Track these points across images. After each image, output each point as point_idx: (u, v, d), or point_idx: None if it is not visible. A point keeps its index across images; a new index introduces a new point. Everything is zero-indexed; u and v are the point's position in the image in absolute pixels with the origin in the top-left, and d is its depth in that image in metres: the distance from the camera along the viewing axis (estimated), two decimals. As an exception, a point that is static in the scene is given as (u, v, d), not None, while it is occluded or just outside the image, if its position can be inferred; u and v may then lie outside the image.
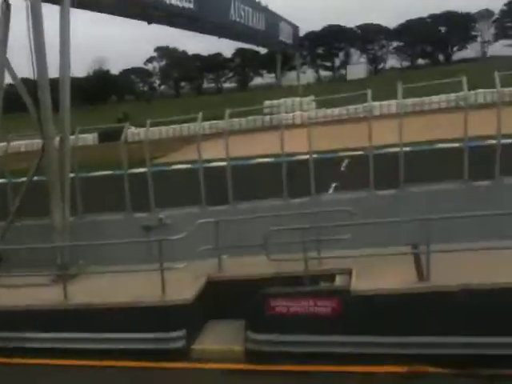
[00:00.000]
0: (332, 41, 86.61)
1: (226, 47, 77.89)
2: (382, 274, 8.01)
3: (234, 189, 11.40)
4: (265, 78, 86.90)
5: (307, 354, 7.75)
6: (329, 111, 30.19)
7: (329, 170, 18.50)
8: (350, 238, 8.26)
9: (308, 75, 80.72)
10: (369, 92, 11.00)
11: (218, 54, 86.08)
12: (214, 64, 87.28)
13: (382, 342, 7.55)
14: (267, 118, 36.50)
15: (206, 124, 37.76)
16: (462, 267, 7.68)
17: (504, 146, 10.40)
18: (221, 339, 8.50)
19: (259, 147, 23.94)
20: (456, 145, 11.39)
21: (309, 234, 8.56)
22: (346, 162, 21.95)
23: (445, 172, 11.37)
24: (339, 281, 8.49)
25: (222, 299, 8.79)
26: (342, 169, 21.21)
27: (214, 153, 12.89)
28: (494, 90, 10.41)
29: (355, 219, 8.52)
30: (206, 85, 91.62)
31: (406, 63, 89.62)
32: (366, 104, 11.18)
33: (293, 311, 7.94)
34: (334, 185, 16.94)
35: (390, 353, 7.43)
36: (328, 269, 8.72)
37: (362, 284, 7.92)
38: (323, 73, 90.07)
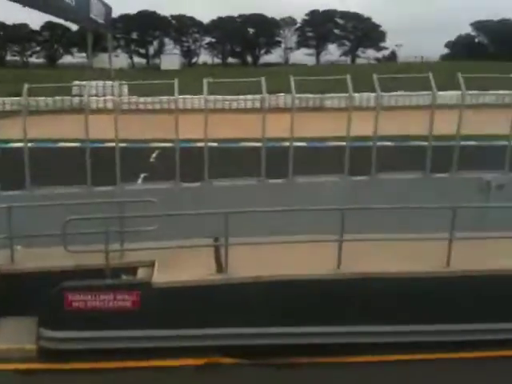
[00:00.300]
0: (146, 27, 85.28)
1: (36, 19, 70.85)
2: (185, 266, 8.20)
3: (34, 173, 10.51)
4: (75, 57, 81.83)
5: (105, 350, 7.58)
6: (141, 99, 29.71)
7: (139, 160, 18.24)
8: (155, 230, 8.25)
9: (121, 59, 78.23)
10: (176, 83, 10.95)
11: (24, 25, 78.31)
12: (18, 35, 79.18)
13: (178, 335, 7.71)
14: (76, 99, 34.35)
15: (7, 100, 34.52)
16: (262, 260, 8.20)
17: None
18: (13, 338, 7.90)
19: (66, 130, 22.49)
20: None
21: (112, 225, 8.32)
22: (156, 152, 21.93)
23: (245, 169, 11.96)
24: (141, 273, 8.43)
25: (15, 294, 8.11)
26: (152, 160, 21.16)
27: (13, 132, 11.78)
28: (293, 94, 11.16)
29: (161, 211, 8.52)
30: (9, 57, 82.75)
31: (217, 60, 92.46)
32: (174, 96, 11.13)
33: (92, 306, 7.69)
34: (142, 175, 16.77)
35: (186, 346, 7.63)
36: (130, 261, 8.61)
37: (163, 276, 7.99)
38: (137, 59, 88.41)
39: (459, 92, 11.33)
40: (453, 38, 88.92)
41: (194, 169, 10.93)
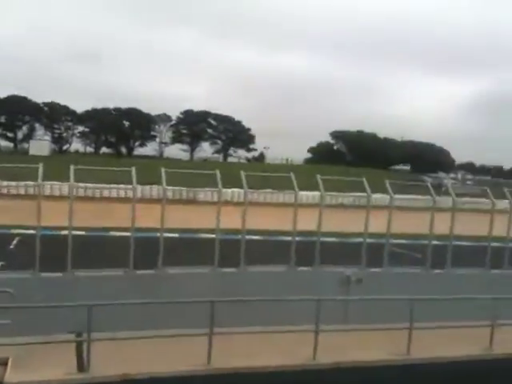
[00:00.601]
0: (16, 111, 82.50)
1: None
2: (43, 364, 7.53)
3: None
4: None
5: None
6: (5, 183, 27.93)
7: (-1, 248, 16.87)
8: (10, 324, 7.55)
9: (-14, 143, 73.88)
10: (40, 169, 10.58)
11: None
12: None
13: None
14: None
15: None
16: (129, 356, 7.81)
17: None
18: None
19: None
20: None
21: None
22: (16, 239, 20.42)
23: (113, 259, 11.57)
24: (-9, 373, 7.57)
25: None
26: (12, 247, 19.63)
27: None
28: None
29: (17, 302, 7.87)
30: None
31: (90, 149, 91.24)
32: (45, 182, 10.70)
33: None
34: (0, 263, 15.37)
35: None
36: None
37: (17, 376, 7.27)
38: (4, 143, 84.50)
39: (319, 192, 12.36)
40: (315, 143, 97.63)
41: (56, 257, 10.38)
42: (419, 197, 16.79)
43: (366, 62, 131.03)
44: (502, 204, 13.92)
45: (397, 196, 13.29)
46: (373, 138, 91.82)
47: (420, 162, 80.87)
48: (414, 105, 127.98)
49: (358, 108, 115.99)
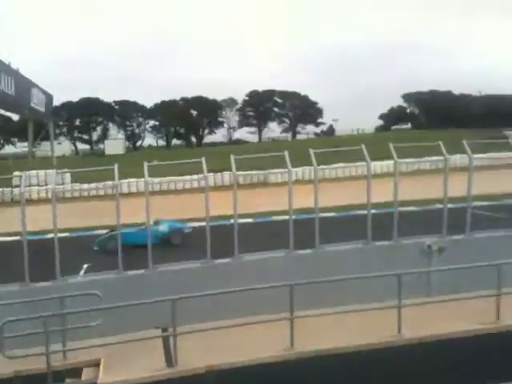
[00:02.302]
0: (89, 113, 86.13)
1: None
2: (133, 362, 7.81)
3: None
4: (18, 147, 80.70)
5: None
6: (85, 185, 29.37)
7: (82, 250, 17.62)
8: (100, 325, 7.88)
9: (64, 147, 78.03)
10: (116, 169, 10.80)
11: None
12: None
13: None
14: (17, 190, 33.51)
15: None
16: (213, 347, 7.98)
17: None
18: None
19: (4, 223, 21.74)
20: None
21: (52, 324, 7.87)
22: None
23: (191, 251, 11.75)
24: (86, 375, 7.95)
25: None
26: (96, 248, 20.52)
27: None
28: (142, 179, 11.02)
29: (105, 303, 8.17)
30: None
31: (162, 142, 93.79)
32: (122, 181, 11.00)
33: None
34: (86, 266, 16.15)
35: None
36: (74, 362, 8.13)
37: (110, 376, 7.55)
38: (81, 146, 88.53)
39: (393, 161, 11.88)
40: (386, 110, 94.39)
41: (139, 255, 10.73)
42: (500, 154, 15.75)
43: (432, 15, 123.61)
44: None
45: (477, 156, 12.53)
46: (447, 95, 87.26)
47: (502, 116, 75.98)
48: (494, 54, 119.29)
49: (430, 67, 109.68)
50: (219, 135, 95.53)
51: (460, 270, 9.26)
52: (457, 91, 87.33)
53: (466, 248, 11.04)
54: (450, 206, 11.90)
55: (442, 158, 12.05)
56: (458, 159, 13.71)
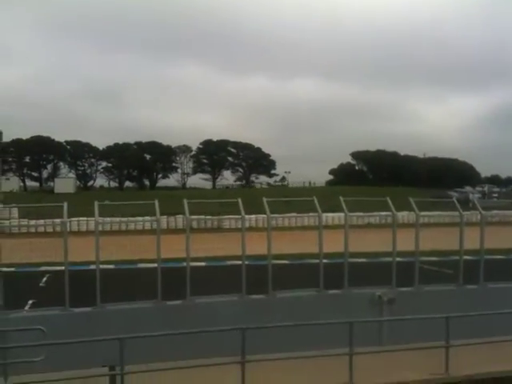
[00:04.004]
0: (40, 151, 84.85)
1: None
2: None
3: None
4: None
5: None
6: (32, 222, 28.48)
7: (28, 285, 17.01)
8: (44, 361, 7.58)
9: (12, 183, 75.50)
10: (65, 206, 10.72)
11: None
12: None
13: None
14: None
15: None
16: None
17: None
18: None
19: None
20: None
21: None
22: (46, 276, 20.68)
23: (142, 291, 11.59)
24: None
25: None
26: (42, 284, 19.84)
27: None
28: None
29: (49, 339, 7.89)
30: None
31: (114, 183, 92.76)
32: (71, 219, 10.87)
33: None
34: (31, 301, 15.53)
35: None
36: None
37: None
38: (30, 183, 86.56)
39: (343, 214, 12.27)
40: (336, 165, 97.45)
41: (86, 292, 10.46)
42: (446, 213, 16.54)
43: (381, 83, 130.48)
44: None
45: (423, 213, 13.12)
46: (393, 156, 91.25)
47: (444, 177, 79.84)
48: (434, 122, 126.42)
49: (377, 129, 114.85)
50: (172, 180, 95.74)
51: (410, 321, 9.52)
52: (402, 152, 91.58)
53: (414, 300, 11.40)
54: (398, 259, 12.33)
55: (390, 213, 12.55)
56: (405, 215, 14.31)
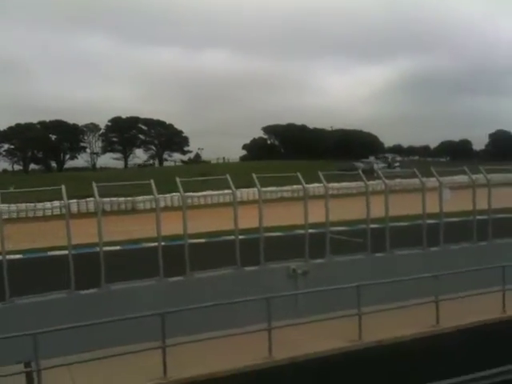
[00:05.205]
0: None
1: None
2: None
3: None
4: None
5: None
6: None
7: None
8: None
9: None
10: None
11: None
12: None
13: None
14: None
15: None
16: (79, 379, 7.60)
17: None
18: None
19: None
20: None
21: None
22: None
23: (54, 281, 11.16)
24: None
25: None
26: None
27: None
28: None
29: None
30: None
31: (18, 166, 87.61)
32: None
33: None
34: None
35: None
36: None
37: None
38: None
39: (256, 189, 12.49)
40: (249, 140, 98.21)
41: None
42: (353, 183, 17.30)
43: (290, 56, 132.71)
44: (431, 183, 14.58)
45: (331, 185, 13.64)
46: (302, 129, 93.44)
47: (350, 148, 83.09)
48: (340, 94, 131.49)
49: (289, 103, 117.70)
50: (81, 160, 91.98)
51: (324, 292, 9.94)
52: (311, 125, 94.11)
53: (327, 270, 11.90)
54: (311, 231, 12.76)
55: (300, 186, 12.94)
56: (315, 188, 14.80)
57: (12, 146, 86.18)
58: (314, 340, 9.21)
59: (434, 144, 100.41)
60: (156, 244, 11.20)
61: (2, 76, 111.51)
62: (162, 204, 12.05)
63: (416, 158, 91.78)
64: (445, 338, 9.79)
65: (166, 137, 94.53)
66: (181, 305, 8.94)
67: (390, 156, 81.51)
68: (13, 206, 12.23)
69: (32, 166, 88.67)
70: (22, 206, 22.59)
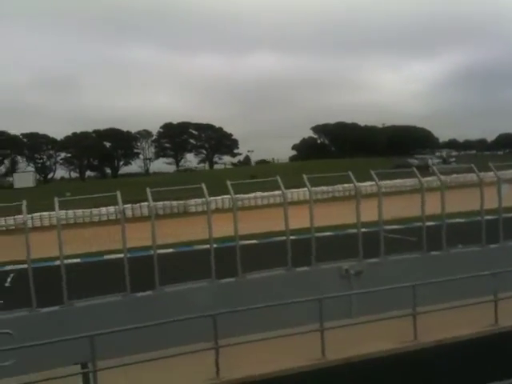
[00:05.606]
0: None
1: None
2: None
3: None
4: None
5: None
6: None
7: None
8: (14, 364, 7.42)
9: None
10: (24, 204, 10.60)
11: None
12: None
13: None
14: None
15: None
16: (135, 380, 7.75)
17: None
18: None
19: None
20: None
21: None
22: (11, 276, 20.11)
23: (111, 284, 11.43)
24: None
25: None
26: (7, 284, 19.26)
27: None
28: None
29: (18, 341, 7.70)
30: None
31: (75, 174, 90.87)
32: (33, 214, 10.61)
33: None
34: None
35: None
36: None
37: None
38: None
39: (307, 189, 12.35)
40: (298, 141, 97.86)
41: (53, 289, 10.23)
42: (407, 180, 16.84)
43: (339, 54, 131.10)
44: (488, 177, 13.99)
45: (384, 183, 13.32)
46: (353, 127, 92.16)
47: (404, 145, 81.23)
48: (391, 90, 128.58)
49: (338, 101, 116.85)
50: (135, 166, 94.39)
51: (378, 292, 9.68)
52: (362, 123, 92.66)
53: (381, 270, 11.61)
54: (363, 230, 12.51)
55: (352, 185, 12.69)
56: (367, 187, 14.49)
57: (69, 155, 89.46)
58: (367, 341, 8.99)
59: (491, 137, 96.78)
60: (208, 246, 11.30)
61: (57, 88, 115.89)
62: (213, 206, 12.10)
63: (473, 152, 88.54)
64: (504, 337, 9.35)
65: (216, 140, 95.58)
66: (233, 306, 8.95)
67: (445, 151, 79.07)
68: (70, 212, 12.54)
69: (88, 173, 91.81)
70: (79, 211, 23.37)
